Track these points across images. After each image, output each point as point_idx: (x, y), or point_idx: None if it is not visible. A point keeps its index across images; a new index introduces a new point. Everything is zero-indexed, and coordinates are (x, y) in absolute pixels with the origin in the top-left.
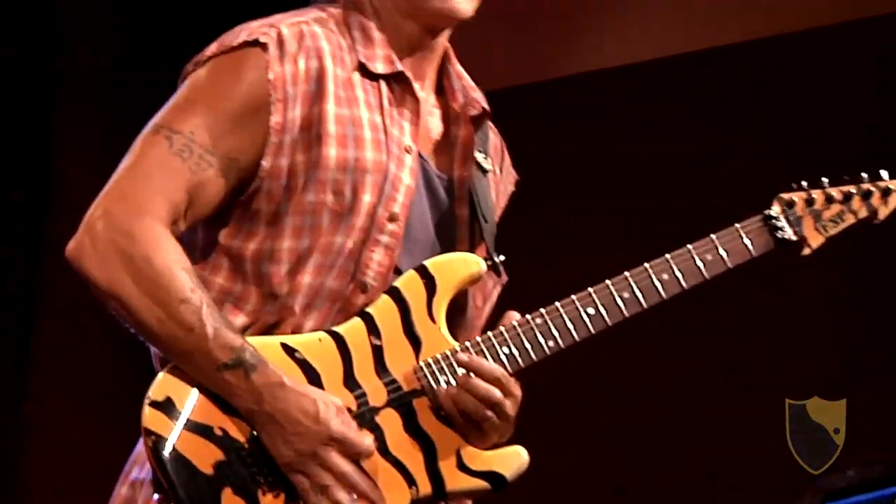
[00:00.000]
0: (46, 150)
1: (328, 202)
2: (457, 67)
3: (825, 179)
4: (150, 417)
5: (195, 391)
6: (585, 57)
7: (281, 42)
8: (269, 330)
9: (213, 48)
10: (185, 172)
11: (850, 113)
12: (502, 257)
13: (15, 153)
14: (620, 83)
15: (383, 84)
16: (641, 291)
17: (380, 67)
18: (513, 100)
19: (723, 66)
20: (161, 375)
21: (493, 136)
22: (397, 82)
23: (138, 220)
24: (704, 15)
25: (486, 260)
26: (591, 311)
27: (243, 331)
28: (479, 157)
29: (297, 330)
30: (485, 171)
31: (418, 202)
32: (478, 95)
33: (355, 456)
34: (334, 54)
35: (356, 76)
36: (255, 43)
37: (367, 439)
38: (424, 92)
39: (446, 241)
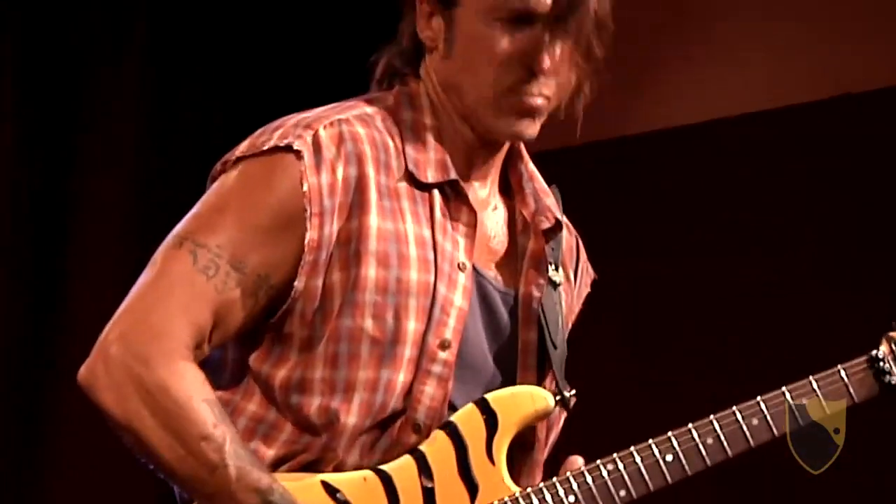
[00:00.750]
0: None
1: (367, 328)
2: (529, 167)
3: None
4: None
5: None
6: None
7: (317, 147)
8: (309, 466)
9: (243, 147)
10: (210, 292)
11: None
12: (573, 391)
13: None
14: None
15: (436, 192)
16: (727, 438)
17: (431, 175)
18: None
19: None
20: None
21: (568, 236)
22: (451, 190)
23: (157, 345)
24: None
25: (554, 394)
26: (669, 457)
27: (278, 464)
28: (550, 269)
29: (339, 468)
30: (555, 286)
31: (472, 325)
32: (550, 202)
33: None
34: (377, 159)
35: (403, 185)
36: (289, 149)
37: None
38: (486, 193)
39: (507, 368)
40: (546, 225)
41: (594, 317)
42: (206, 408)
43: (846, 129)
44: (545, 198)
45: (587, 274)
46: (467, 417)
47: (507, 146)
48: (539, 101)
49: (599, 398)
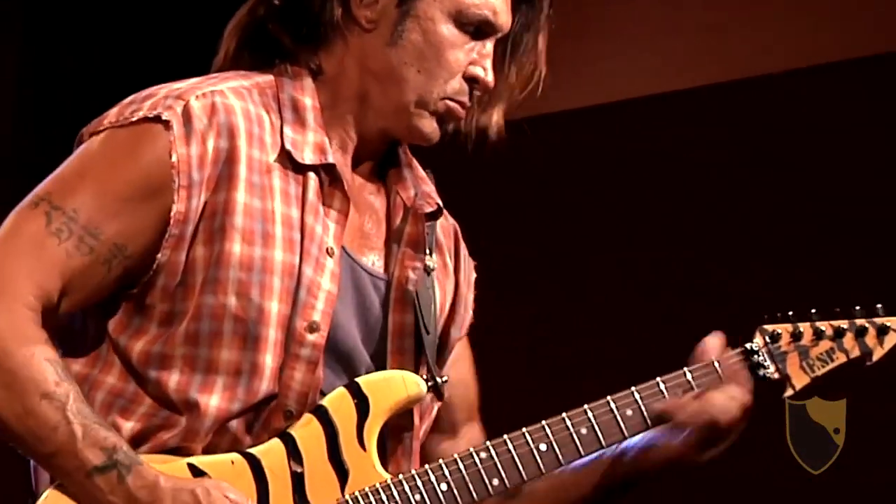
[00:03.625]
0: None
1: (230, 306)
2: (408, 154)
3: (813, 310)
4: None
5: None
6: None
7: (188, 118)
8: (170, 452)
9: (111, 116)
10: (59, 255)
11: None
12: (445, 378)
13: None
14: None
15: (311, 175)
16: (601, 428)
17: (308, 157)
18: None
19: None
20: (49, 492)
21: (445, 223)
22: (327, 174)
23: (0, 305)
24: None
25: (426, 380)
26: (543, 447)
27: (138, 440)
28: (425, 255)
29: (207, 452)
30: (429, 272)
31: (343, 310)
32: (430, 189)
33: None
34: (251, 133)
35: (277, 162)
36: (158, 119)
37: None
38: (363, 179)
39: (379, 354)
40: (427, 209)
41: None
42: (48, 366)
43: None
44: (423, 185)
45: (469, 259)
46: (338, 401)
47: (389, 141)
48: (463, 113)
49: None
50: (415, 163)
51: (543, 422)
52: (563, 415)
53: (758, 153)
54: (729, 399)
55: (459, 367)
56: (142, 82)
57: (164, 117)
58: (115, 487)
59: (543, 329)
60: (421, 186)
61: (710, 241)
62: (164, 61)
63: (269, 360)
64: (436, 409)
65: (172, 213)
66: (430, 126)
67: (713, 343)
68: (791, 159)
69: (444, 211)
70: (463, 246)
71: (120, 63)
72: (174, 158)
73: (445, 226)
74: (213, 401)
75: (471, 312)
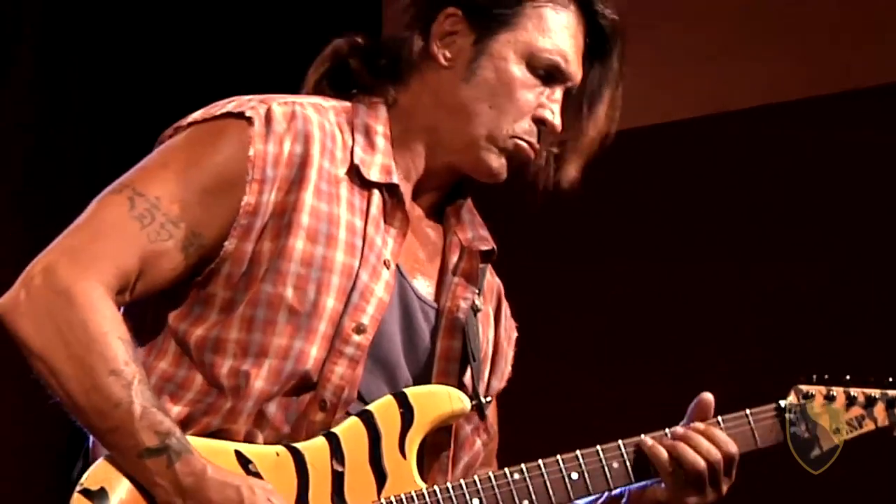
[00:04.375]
0: None
1: (287, 297)
2: (469, 202)
3: (848, 377)
4: None
5: (130, 488)
6: None
7: (269, 119)
8: (214, 435)
9: (196, 114)
10: (142, 239)
11: None
12: (489, 399)
13: None
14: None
15: (376, 191)
16: (632, 465)
17: (374, 175)
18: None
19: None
20: (100, 462)
21: (492, 279)
22: (390, 194)
23: (80, 281)
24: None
25: (471, 399)
26: (574, 475)
27: (184, 424)
28: (475, 293)
29: (247, 439)
30: (476, 310)
31: (389, 320)
32: (486, 233)
33: None
34: (324, 144)
35: (345, 175)
36: (241, 116)
37: None
38: (422, 212)
39: (418, 370)
40: (484, 247)
41: None
42: (120, 345)
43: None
44: (481, 229)
45: (511, 320)
46: (385, 408)
47: (455, 178)
48: (532, 154)
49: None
50: (475, 210)
51: (578, 451)
52: (598, 447)
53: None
54: (713, 447)
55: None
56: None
57: (247, 114)
58: (162, 471)
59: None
60: (478, 230)
61: (753, 297)
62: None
63: (314, 351)
64: (478, 444)
65: (242, 204)
66: (497, 162)
67: (707, 400)
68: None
69: (491, 269)
70: (505, 305)
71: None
72: (251, 153)
73: (490, 282)
74: (258, 382)
75: (510, 368)
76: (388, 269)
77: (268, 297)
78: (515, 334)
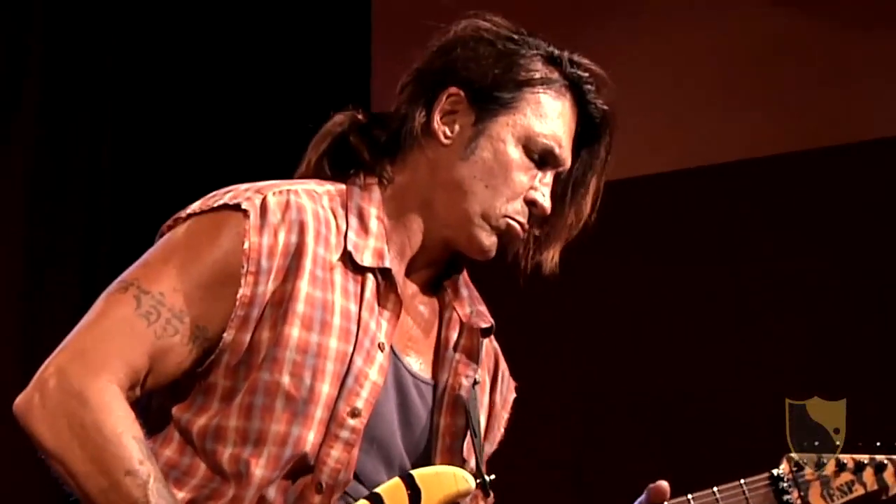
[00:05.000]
0: None
1: (284, 384)
2: (465, 276)
3: (838, 442)
4: None
5: None
6: None
7: (264, 211)
8: None
9: (195, 206)
10: (149, 336)
11: None
12: (493, 476)
13: None
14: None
15: (370, 276)
16: None
17: (367, 259)
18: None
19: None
20: None
21: (489, 343)
22: (383, 277)
23: (93, 382)
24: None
25: (475, 477)
26: None
27: None
28: (476, 371)
29: None
30: (475, 384)
31: (385, 402)
32: (484, 309)
33: None
34: (318, 232)
35: (339, 261)
36: (237, 208)
37: None
38: (416, 288)
39: (415, 447)
40: (483, 325)
41: None
42: (135, 444)
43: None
44: (478, 304)
45: (510, 381)
46: (393, 491)
47: (448, 254)
48: (522, 234)
49: None
50: (471, 284)
51: None
52: None
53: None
54: None
55: None
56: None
57: (242, 206)
58: None
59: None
60: (476, 305)
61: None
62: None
63: (311, 435)
64: None
65: (238, 296)
66: (489, 240)
67: (662, 487)
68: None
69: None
70: (503, 367)
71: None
72: (246, 245)
73: (488, 348)
74: (258, 470)
75: (503, 431)
76: (382, 351)
77: (265, 384)
78: (513, 395)
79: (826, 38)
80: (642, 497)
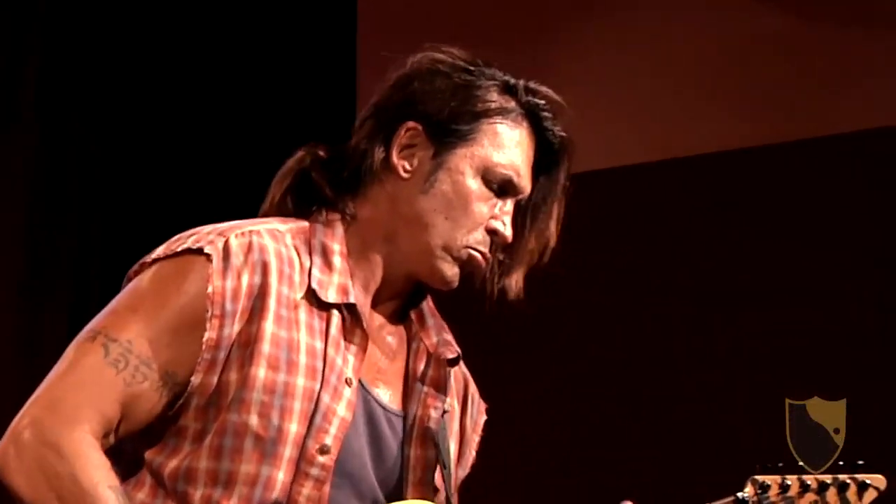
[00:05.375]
0: None
1: (252, 425)
2: (430, 304)
3: (801, 463)
4: None
5: None
6: None
7: (227, 254)
8: None
9: (159, 251)
10: (119, 384)
11: None
12: None
13: None
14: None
15: (335, 312)
16: None
17: (332, 296)
18: None
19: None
20: None
21: (457, 371)
22: (349, 312)
23: (68, 433)
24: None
25: None
26: None
27: None
28: (444, 402)
29: None
30: (444, 413)
31: (354, 436)
32: (450, 338)
33: None
34: (281, 272)
35: (303, 299)
36: (200, 252)
37: None
38: (382, 320)
39: (388, 479)
40: (450, 356)
41: None
42: (111, 494)
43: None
44: (445, 333)
45: (480, 403)
46: None
47: (413, 284)
48: (484, 263)
49: None
50: (437, 312)
51: None
52: None
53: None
54: None
55: None
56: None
57: (205, 250)
58: None
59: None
60: (442, 334)
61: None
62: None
63: (281, 475)
64: None
65: (204, 340)
66: (451, 270)
67: None
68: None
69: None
70: (473, 390)
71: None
72: (210, 290)
73: (457, 373)
74: None
75: (474, 454)
76: (349, 386)
77: (234, 426)
78: (484, 418)
79: (805, 32)
80: None
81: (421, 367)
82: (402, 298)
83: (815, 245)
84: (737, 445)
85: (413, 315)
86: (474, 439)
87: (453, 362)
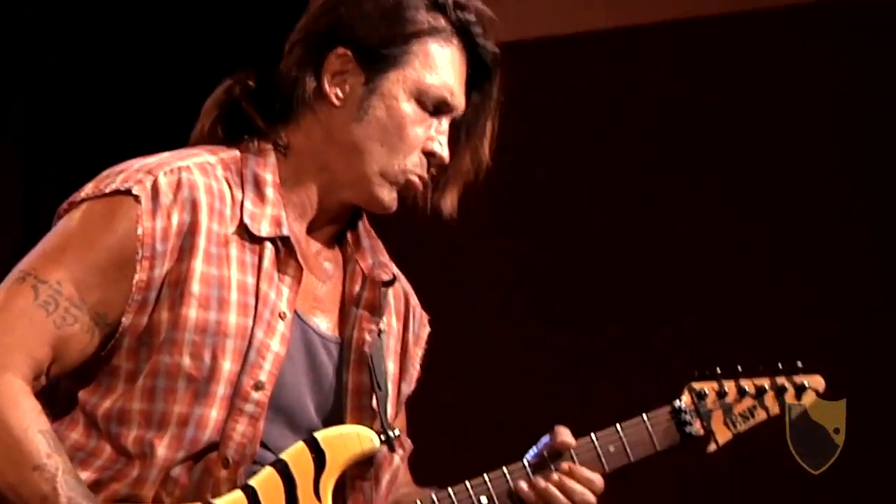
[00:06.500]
0: None
1: (185, 366)
2: (366, 224)
3: (739, 367)
4: None
5: None
6: None
7: (155, 193)
8: (122, 501)
9: (88, 189)
10: (49, 327)
11: None
12: (397, 431)
13: None
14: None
15: (268, 244)
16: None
17: (264, 230)
18: None
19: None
20: None
21: (397, 285)
22: (283, 244)
23: None
24: None
25: (380, 434)
26: (483, 499)
27: (91, 490)
28: (378, 325)
29: (157, 499)
30: (380, 333)
31: (290, 370)
32: (385, 259)
33: None
34: (212, 207)
35: (235, 234)
36: (128, 193)
37: None
38: (318, 247)
39: (327, 409)
40: (384, 278)
41: None
42: (41, 438)
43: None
44: (380, 254)
45: (422, 316)
46: (297, 456)
47: (350, 210)
48: (422, 186)
49: None
50: (372, 233)
51: (485, 475)
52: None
53: None
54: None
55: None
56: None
57: (133, 192)
58: None
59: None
60: (378, 256)
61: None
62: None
63: (214, 413)
64: (396, 459)
65: (135, 282)
66: (389, 196)
67: (563, 431)
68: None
69: (398, 272)
70: (413, 305)
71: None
72: (140, 231)
73: (397, 289)
74: (161, 450)
75: (418, 368)
76: (283, 320)
77: (166, 367)
78: (427, 330)
79: None
80: (544, 439)
81: (356, 289)
82: (338, 223)
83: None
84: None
85: (350, 237)
86: (417, 353)
87: (388, 284)
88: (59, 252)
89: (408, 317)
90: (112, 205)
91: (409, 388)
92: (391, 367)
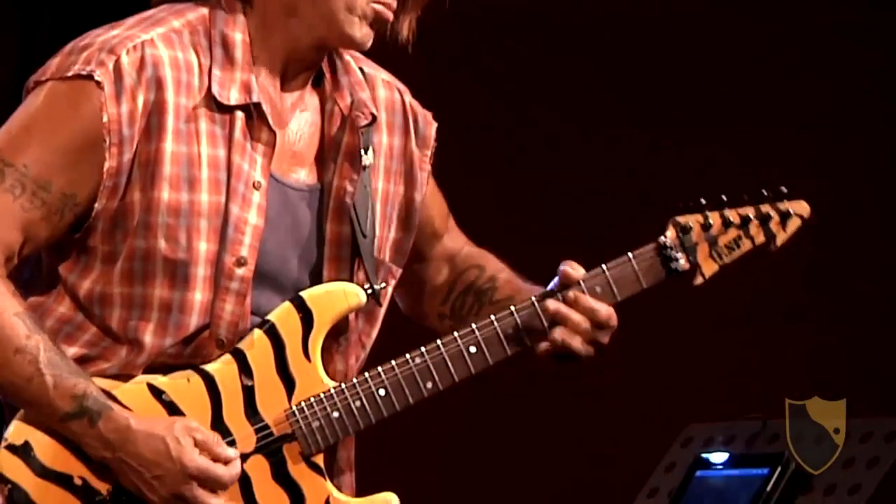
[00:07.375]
0: None
1: (161, 249)
2: (344, 59)
3: (724, 197)
4: (6, 462)
5: (53, 438)
6: None
7: (119, 76)
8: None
9: (52, 67)
10: (16, 211)
11: None
12: (383, 284)
13: None
14: None
15: (238, 113)
16: (525, 326)
17: (233, 98)
18: None
19: None
20: (14, 423)
21: (391, 96)
22: (255, 110)
23: None
24: None
25: (365, 288)
26: (473, 349)
27: (78, 364)
28: (362, 157)
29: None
30: (364, 169)
31: (272, 237)
32: (366, 96)
33: (219, 487)
34: (178, 81)
35: (203, 106)
36: (90, 78)
37: (224, 470)
38: (295, 98)
39: (313, 263)
40: (363, 122)
41: None
42: (18, 321)
43: None
44: (360, 91)
45: (425, 115)
46: (284, 316)
47: (324, 53)
48: (391, 15)
49: None
50: (353, 67)
51: (473, 324)
52: (492, 317)
53: None
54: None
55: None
56: None
57: (96, 77)
58: (87, 431)
59: None
60: (357, 93)
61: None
62: None
63: (198, 296)
64: (382, 312)
65: (105, 168)
66: (361, 31)
67: (573, 267)
68: None
69: (392, 79)
70: (414, 111)
71: None
72: (105, 119)
73: (391, 100)
74: (148, 337)
75: (429, 168)
76: (258, 190)
77: (142, 251)
78: (434, 126)
79: None
80: (554, 280)
81: (335, 131)
82: (314, 68)
83: None
84: None
85: (328, 76)
86: (427, 155)
87: (367, 128)
88: (25, 134)
89: (408, 126)
90: (75, 90)
91: (420, 194)
92: (379, 209)
